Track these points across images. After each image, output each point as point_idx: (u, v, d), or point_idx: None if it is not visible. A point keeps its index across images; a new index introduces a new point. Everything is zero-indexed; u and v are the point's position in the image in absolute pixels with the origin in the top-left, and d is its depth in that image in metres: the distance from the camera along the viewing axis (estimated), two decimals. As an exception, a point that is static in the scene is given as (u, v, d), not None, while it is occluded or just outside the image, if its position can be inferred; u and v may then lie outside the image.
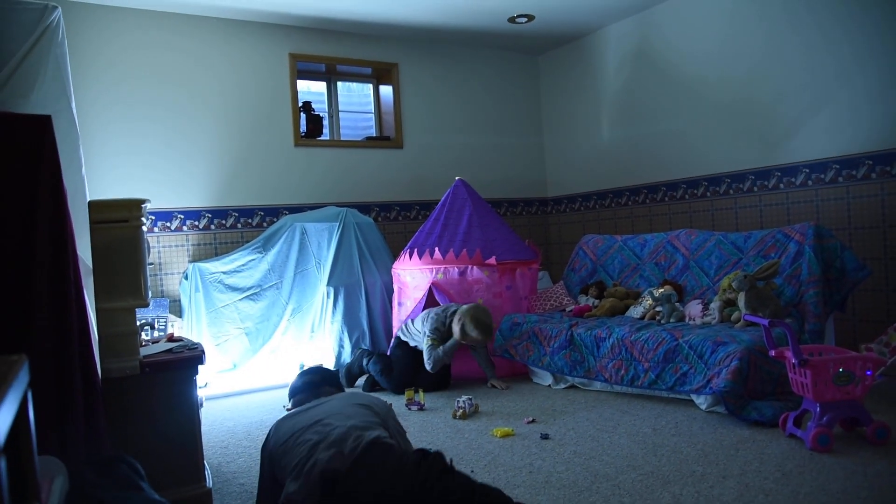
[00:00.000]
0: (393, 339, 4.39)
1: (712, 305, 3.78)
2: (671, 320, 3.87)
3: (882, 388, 3.36)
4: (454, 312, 4.02)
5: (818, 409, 2.65)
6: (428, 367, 3.96)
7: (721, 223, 4.89)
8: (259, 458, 2.26)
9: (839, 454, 2.56)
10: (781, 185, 4.47)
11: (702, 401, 3.28)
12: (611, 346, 3.69)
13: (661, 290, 4.06)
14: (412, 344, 4.17)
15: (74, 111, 2.54)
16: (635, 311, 4.18)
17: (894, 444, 2.62)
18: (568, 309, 4.58)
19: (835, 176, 4.17)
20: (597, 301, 4.55)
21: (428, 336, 3.98)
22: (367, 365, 4.30)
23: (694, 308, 3.89)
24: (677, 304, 3.97)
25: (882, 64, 3.89)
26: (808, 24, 4.24)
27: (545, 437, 3.01)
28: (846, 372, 2.64)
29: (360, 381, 4.44)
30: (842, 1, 4.06)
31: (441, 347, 3.95)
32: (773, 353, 2.82)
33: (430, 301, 4.48)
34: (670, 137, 5.24)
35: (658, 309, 3.99)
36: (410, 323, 4.24)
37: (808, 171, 4.31)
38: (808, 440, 2.63)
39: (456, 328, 3.93)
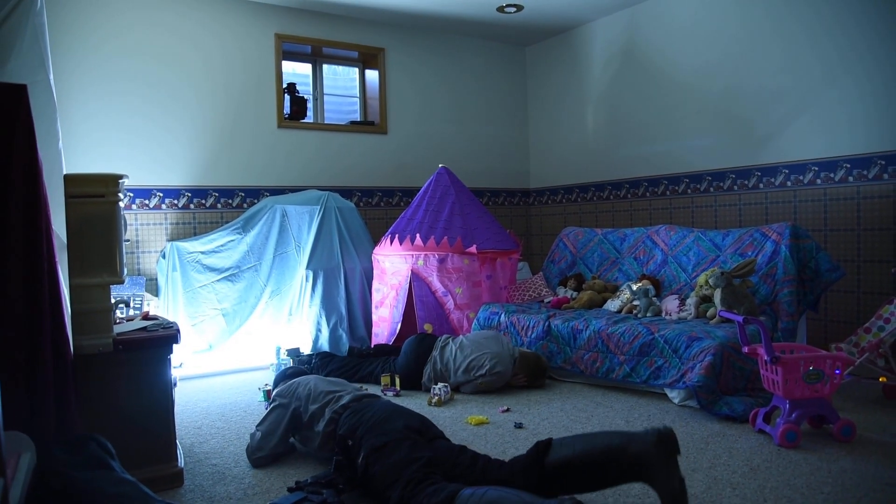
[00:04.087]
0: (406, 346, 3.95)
1: (689, 301, 3.82)
2: (648, 314, 3.91)
3: (850, 388, 3.43)
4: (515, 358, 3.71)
5: (787, 405, 2.70)
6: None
7: (701, 220, 4.94)
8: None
9: (806, 450, 2.61)
10: (761, 185, 4.52)
11: (675, 395, 3.32)
12: (587, 338, 3.72)
13: (639, 284, 4.10)
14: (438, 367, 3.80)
15: (52, 83, 2.48)
16: (613, 305, 4.22)
17: (859, 442, 2.68)
18: (546, 300, 4.61)
19: (813, 178, 4.22)
20: (575, 293, 4.58)
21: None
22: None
23: (671, 303, 3.93)
24: (654, 298, 4.01)
25: (863, 70, 3.94)
26: (792, 29, 4.27)
27: (519, 426, 3.03)
28: (816, 370, 2.69)
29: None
30: (825, 7, 4.10)
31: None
32: (746, 349, 2.87)
33: (409, 290, 4.48)
34: (653, 134, 5.27)
35: (635, 303, 4.02)
36: (453, 348, 3.80)
37: (787, 171, 4.36)
38: (776, 436, 2.67)
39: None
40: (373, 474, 2.13)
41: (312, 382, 2.75)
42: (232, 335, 4.47)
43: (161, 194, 4.71)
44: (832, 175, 4.12)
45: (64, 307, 2.04)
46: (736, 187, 4.68)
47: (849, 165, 4.04)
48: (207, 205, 4.89)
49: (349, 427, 2.36)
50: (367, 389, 2.78)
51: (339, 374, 4.00)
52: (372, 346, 4.61)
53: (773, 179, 4.45)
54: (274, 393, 2.91)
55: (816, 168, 4.20)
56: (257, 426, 2.72)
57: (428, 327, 4.36)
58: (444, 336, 3.94)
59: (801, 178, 4.29)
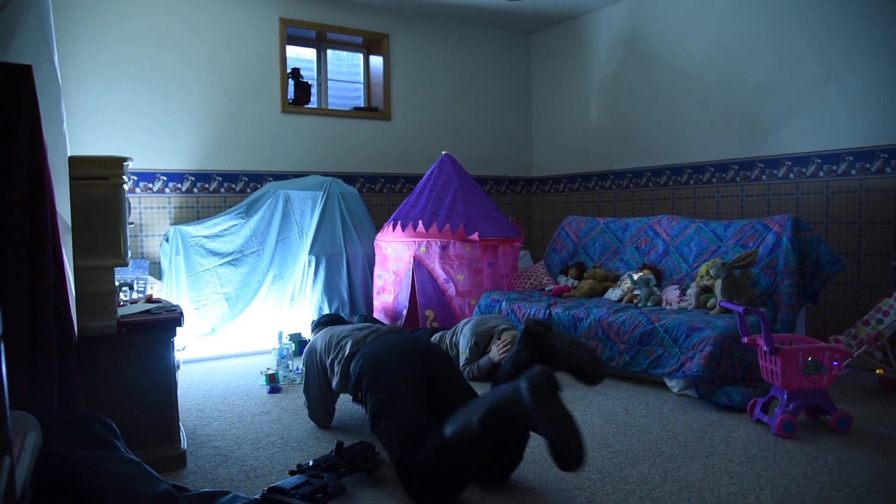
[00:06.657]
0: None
1: (689, 291, 3.83)
2: (648, 304, 3.92)
3: (847, 379, 3.45)
4: (501, 332, 3.68)
5: (785, 396, 2.72)
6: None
7: (702, 211, 4.94)
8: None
9: (802, 441, 2.63)
10: (764, 177, 4.51)
11: (674, 384, 3.34)
12: (588, 326, 3.74)
13: (640, 273, 4.11)
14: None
15: (57, 65, 2.48)
16: (613, 294, 4.23)
17: (855, 433, 2.70)
18: (547, 288, 4.62)
19: (816, 170, 4.22)
20: (576, 282, 4.59)
21: (465, 353, 3.69)
22: None
23: (671, 293, 3.94)
24: (655, 288, 4.02)
25: (867, 64, 3.92)
26: (797, 21, 4.25)
27: (518, 413, 3.05)
28: (814, 361, 2.70)
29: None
30: (828, 1, 4.08)
31: (477, 364, 3.65)
32: (745, 340, 2.88)
33: (412, 276, 4.49)
34: (657, 124, 5.26)
35: (636, 292, 4.03)
36: (451, 335, 3.89)
37: (790, 164, 4.36)
38: (773, 426, 2.69)
39: (494, 351, 3.59)
40: (378, 429, 2.26)
41: (329, 333, 2.79)
42: (234, 319, 4.49)
43: (165, 178, 4.72)
44: (835, 168, 4.12)
45: (68, 289, 2.05)
46: (739, 178, 4.67)
47: (851, 158, 4.03)
48: (211, 189, 4.90)
49: (356, 379, 2.46)
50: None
51: None
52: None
53: (776, 171, 4.44)
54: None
55: (819, 161, 4.19)
56: (303, 388, 2.86)
57: (429, 314, 4.38)
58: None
59: (804, 170, 4.28)
